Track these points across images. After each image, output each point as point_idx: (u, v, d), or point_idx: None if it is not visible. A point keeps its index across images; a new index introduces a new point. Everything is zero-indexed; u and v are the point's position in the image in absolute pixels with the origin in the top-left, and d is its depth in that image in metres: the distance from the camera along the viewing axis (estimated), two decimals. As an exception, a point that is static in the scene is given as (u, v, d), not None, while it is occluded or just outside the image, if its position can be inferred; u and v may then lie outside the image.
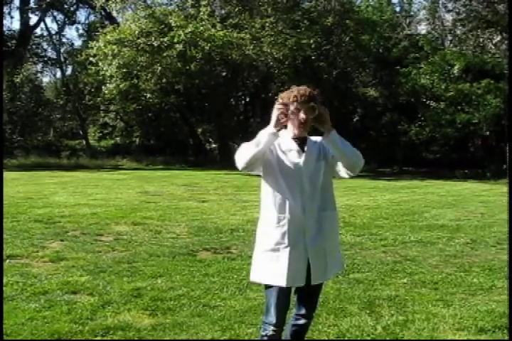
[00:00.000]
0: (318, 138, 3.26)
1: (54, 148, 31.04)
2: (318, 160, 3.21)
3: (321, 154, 3.23)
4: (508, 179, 17.55)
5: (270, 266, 3.17)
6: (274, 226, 3.17)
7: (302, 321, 3.35)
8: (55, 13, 35.50)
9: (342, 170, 3.18)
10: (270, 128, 3.06)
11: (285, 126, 3.22)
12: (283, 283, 3.14)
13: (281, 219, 3.15)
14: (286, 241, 3.15)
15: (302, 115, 3.10)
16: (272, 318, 3.19)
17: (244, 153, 3.06)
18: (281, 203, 3.16)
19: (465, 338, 4.04)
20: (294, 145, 3.20)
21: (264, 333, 3.24)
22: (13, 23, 36.88)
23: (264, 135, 3.05)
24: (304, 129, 3.18)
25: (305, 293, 3.31)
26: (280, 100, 3.14)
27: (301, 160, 3.18)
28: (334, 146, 3.11)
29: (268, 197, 3.21)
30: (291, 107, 3.10)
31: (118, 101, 29.50)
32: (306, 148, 3.20)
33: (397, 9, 31.89)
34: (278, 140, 3.15)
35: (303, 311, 3.33)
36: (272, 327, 3.19)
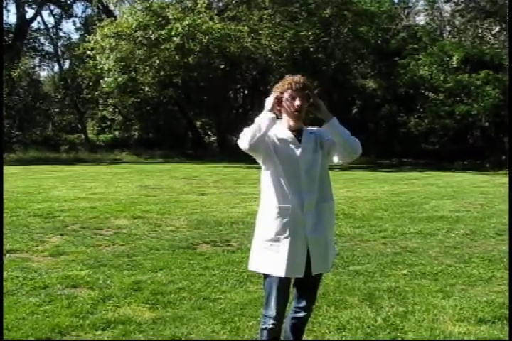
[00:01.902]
0: (314, 129, 3.27)
1: (53, 142, 30.96)
2: (315, 150, 3.21)
3: (317, 145, 3.23)
4: (508, 170, 17.57)
5: (269, 256, 3.17)
6: (274, 217, 3.17)
7: (302, 314, 3.35)
8: (52, 7, 35.42)
9: (337, 156, 3.21)
10: (268, 113, 3.08)
11: (279, 117, 3.22)
12: (282, 273, 3.14)
13: (281, 210, 3.15)
14: (286, 231, 3.15)
15: (297, 102, 3.11)
16: (272, 311, 3.19)
17: (247, 135, 3.05)
18: (281, 194, 3.16)
19: (465, 329, 4.05)
20: (291, 136, 3.19)
21: (263, 326, 3.24)
22: (9, 16, 36.94)
23: (263, 119, 3.06)
24: (298, 118, 3.17)
25: (304, 286, 3.31)
26: (276, 90, 3.17)
27: (298, 151, 3.17)
28: (334, 131, 3.14)
29: (268, 188, 3.21)
30: (286, 95, 3.12)
31: (116, 95, 29.45)
32: (302, 139, 3.20)
33: (396, 0, 31.82)
34: (274, 130, 3.15)
35: (302, 304, 3.33)
36: (271, 321, 3.20)
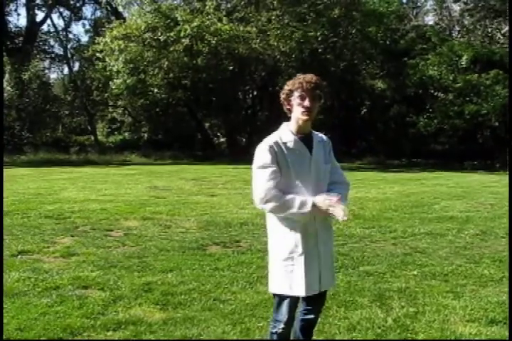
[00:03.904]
0: (324, 137, 3.24)
1: (63, 144, 31.15)
2: (324, 163, 3.17)
3: (326, 157, 3.20)
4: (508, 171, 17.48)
5: (287, 276, 3.13)
6: (287, 233, 3.11)
7: (311, 316, 3.35)
8: (61, 9, 35.67)
9: None
10: (307, 210, 3.01)
11: (288, 118, 3.16)
12: (302, 293, 3.12)
13: (294, 225, 3.09)
14: (300, 248, 3.09)
15: (307, 102, 3.01)
16: (283, 316, 3.18)
17: (267, 205, 3.05)
18: None
19: (476, 329, 4.03)
20: (301, 147, 3.10)
21: (274, 330, 3.23)
22: (19, 19, 37.27)
23: (299, 211, 3.01)
24: (308, 118, 3.05)
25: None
26: (286, 87, 3.08)
27: (309, 163, 3.10)
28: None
29: None
30: (296, 94, 3.03)
31: (125, 97, 29.54)
32: (313, 150, 3.12)
33: (404, 0, 31.72)
34: (282, 139, 3.08)
35: (311, 306, 3.32)
36: (282, 325, 3.19)
